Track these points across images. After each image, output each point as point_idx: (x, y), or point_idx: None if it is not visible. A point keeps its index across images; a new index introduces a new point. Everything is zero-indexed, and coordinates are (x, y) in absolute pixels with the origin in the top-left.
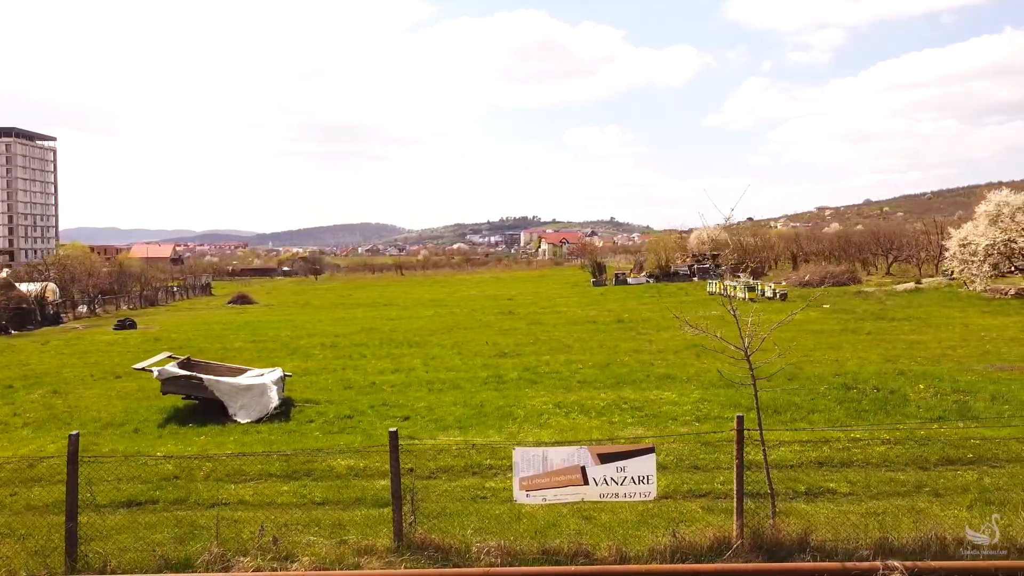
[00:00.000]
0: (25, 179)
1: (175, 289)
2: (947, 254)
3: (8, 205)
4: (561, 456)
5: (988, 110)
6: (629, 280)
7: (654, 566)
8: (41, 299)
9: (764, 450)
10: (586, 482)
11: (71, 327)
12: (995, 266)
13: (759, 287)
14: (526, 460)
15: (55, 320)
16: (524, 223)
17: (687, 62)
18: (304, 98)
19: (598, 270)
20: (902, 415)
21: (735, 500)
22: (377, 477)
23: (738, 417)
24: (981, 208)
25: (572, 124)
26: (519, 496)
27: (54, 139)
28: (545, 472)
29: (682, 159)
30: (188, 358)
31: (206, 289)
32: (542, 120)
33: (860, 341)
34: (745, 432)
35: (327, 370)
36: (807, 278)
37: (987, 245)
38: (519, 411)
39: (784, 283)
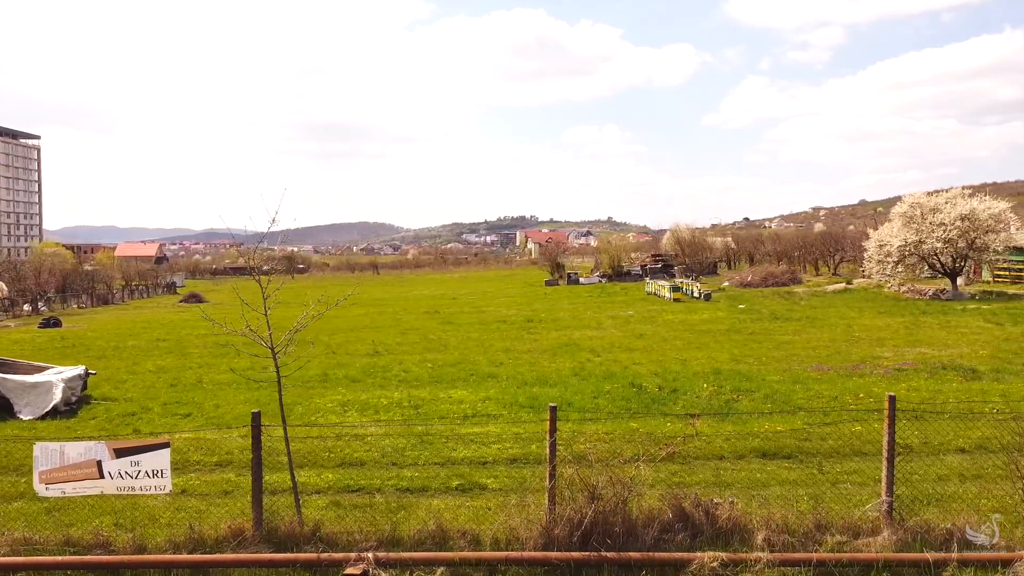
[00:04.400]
0: (8, 177)
1: (136, 288)
2: (866, 255)
3: None
4: (78, 450)
5: (987, 109)
6: (581, 280)
7: (158, 556)
8: None
9: (288, 449)
10: (102, 476)
11: (2, 325)
12: (911, 267)
13: (689, 288)
14: (46, 454)
15: None
16: (522, 223)
17: (686, 61)
18: (303, 97)
19: (555, 270)
20: (661, 413)
21: (252, 494)
22: None
23: (254, 413)
24: (896, 209)
25: (571, 123)
26: (40, 489)
27: (38, 137)
28: (62, 466)
29: (681, 158)
30: None
31: (171, 288)
32: (541, 119)
33: (731, 341)
34: (268, 428)
35: (182, 367)
36: (749, 279)
37: (900, 246)
38: (300, 409)
39: (727, 284)
